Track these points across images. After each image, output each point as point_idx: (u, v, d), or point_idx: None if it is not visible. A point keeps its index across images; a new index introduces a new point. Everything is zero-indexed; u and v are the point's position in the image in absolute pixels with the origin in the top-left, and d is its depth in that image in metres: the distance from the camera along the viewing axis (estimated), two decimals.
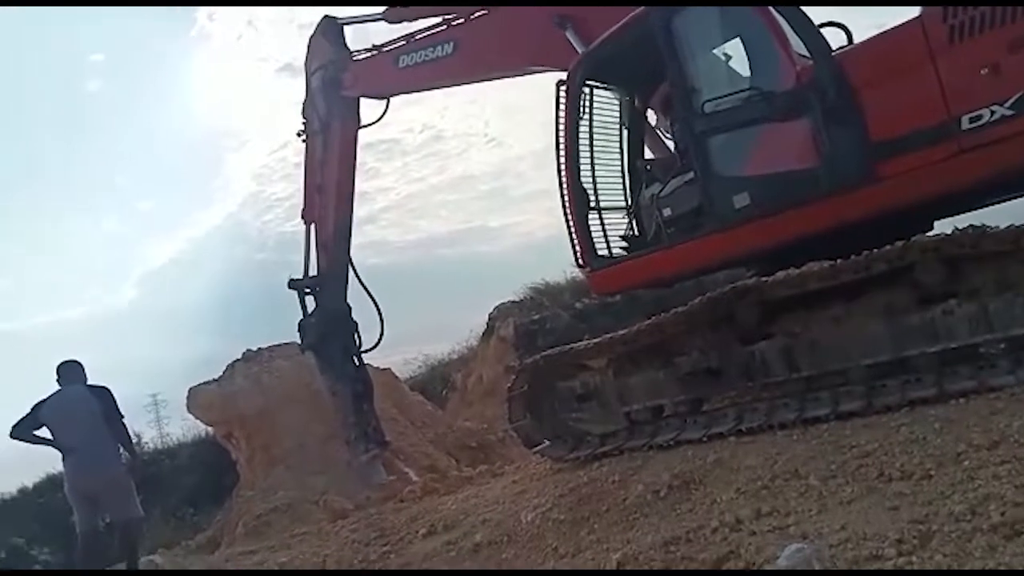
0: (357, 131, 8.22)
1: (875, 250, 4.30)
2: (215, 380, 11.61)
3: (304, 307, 8.19)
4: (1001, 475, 2.94)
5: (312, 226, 8.33)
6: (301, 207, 8.51)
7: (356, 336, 8.26)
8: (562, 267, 15.57)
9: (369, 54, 7.89)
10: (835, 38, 5.18)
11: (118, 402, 5.73)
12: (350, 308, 8.30)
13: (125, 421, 5.78)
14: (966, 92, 4.23)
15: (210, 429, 13.23)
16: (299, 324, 8.24)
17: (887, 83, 4.56)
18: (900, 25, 4.57)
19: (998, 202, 5.06)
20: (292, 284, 8.16)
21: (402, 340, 8.78)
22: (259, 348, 11.94)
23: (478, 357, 15.35)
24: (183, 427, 17.96)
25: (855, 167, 4.56)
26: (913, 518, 2.87)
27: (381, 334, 8.34)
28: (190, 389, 11.59)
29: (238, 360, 11.74)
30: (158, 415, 29.12)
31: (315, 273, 8.26)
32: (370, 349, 8.38)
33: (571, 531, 4.15)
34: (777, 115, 4.86)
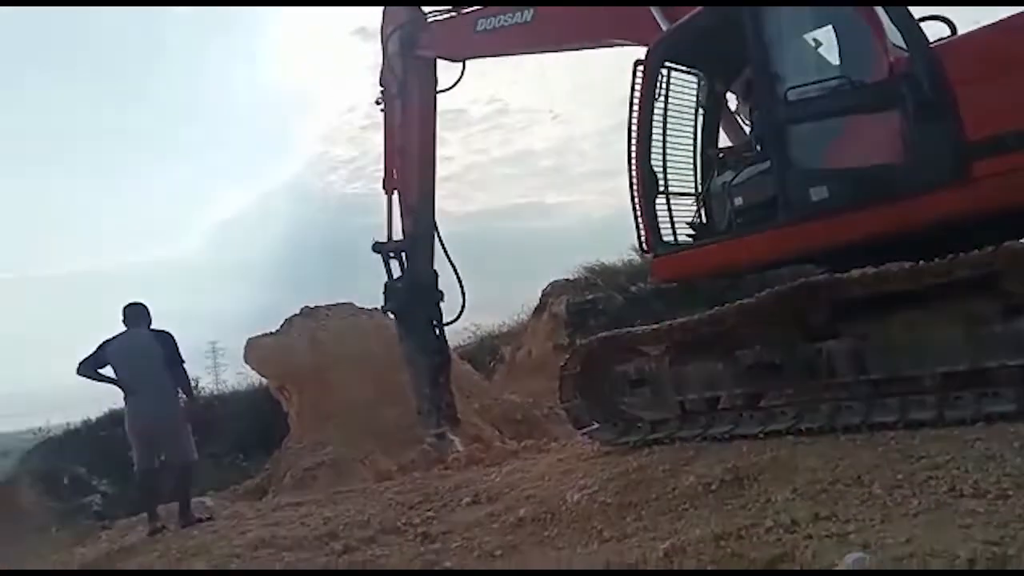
0: (435, 93, 8.14)
1: (960, 254, 4.10)
2: (272, 333, 11.87)
3: (389, 270, 8.04)
4: None
5: (394, 194, 8.22)
6: (381, 177, 8.29)
7: (440, 307, 8.06)
8: (618, 249, 15.41)
9: (446, 16, 7.83)
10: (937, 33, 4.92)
11: (179, 348, 5.87)
12: (437, 276, 8.10)
13: (185, 366, 5.92)
14: None
15: (264, 380, 13.56)
16: (385, 286, 8.10)
17: (988, 79, 4.32)
18: (1006, 19, 4.31)
19: None
20: (377, 247, 8.02)
21: (454, 309, 8.52)
22: (316, 305, 12.15)
23: (528, 332, 15.34)
24: (238, 376, 18.45)
25: (946, 165, 4.33)
26: (987, 539, 2.72)
27: (463, 306, 8.16)
28: (248, 340, 11.86)
29: (296, 315, 11.96)
30: (215, 362, 30.02)
31: (399, 238, 8.10)
32: (452, 321, 8.24)
33: (617, 516, 4.09)
34: (865, 107, 4.66)
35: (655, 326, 5.03)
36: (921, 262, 4.18)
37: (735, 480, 4.04)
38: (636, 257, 15.66)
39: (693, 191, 5.83)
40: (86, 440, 16.82)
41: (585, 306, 14.38)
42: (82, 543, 7.18)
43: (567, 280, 15.77)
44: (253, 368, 12.44)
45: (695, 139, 5.96)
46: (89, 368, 5.71)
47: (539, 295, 15.54)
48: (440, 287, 8.18)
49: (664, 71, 5.65)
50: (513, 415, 11.62)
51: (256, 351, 11.63)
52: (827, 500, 3.57)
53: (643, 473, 4.40)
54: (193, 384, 19.11)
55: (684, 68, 5.82)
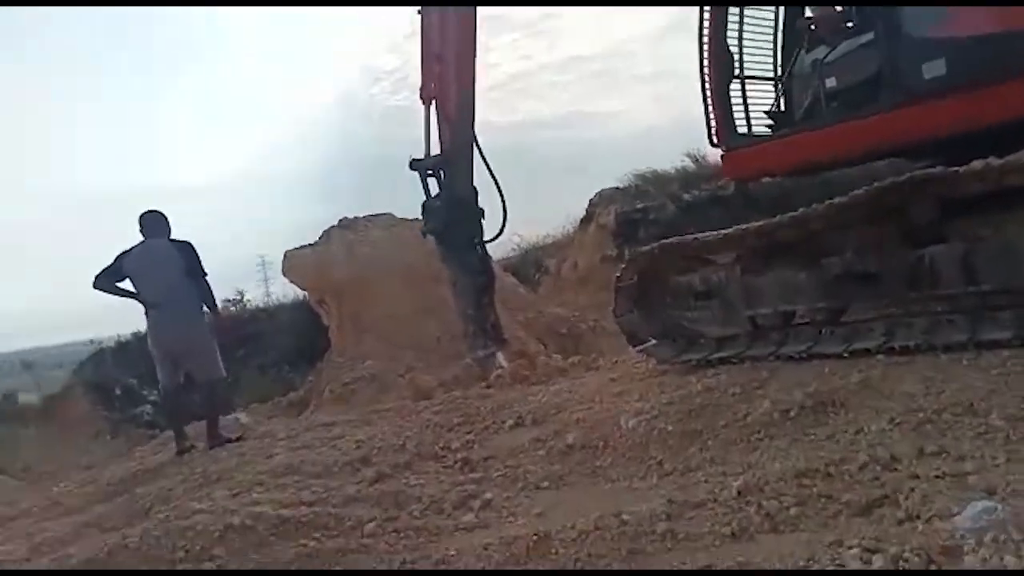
0: None
1: None
2: (310, 245, 11.54)
3: (427, 189, 7.46)
4: None
5: (432, 104, 7.51)
6: (419, 86, 7.66)
7: (481, 224, 7.48)
8: (670, 156, 14.59)
9: None
10: None
11: (200, 258, 5.43)
12: (477, 192, 7.51)
13: (208, 278, 5.48)
14: None
15: (305, 293, 13.36)
16: (423, 206, 7.56)
17: None
18: None
19: None
20: (414, 165, 7.39)
21: (496, 221, 7.87)
22: (355, 216, 11.73)
23: (574, 244, 14.76)
24: (286, 289, 18.39)
25: None
26: None
27: (504, 222, 7.55)
28: (285, 252, 11.57)
29: (334, 227, 11.58)
30: (265, 276, 30.23)
31: (437, 152, 7.46)
32: (494, 238, 7.68)
33: (679, 445, 3.60)
34: None
35: (726, 231, 4.40)
36: None
37: (818, 406, 3.50)
38: (690, 163, 14.78)
39: (772, 75, 5.05)
40: (136, 352, 17.05)
41: (635, 215, 13.64)
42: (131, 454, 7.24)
43: (616, 188, 14.99)
44: (292, 281, 12.22)
45: (776, 14, 5.13)
46: (106, 282, 5.32)
47: (586, 205, 14.88)
48: (481, 203, 7.60)
49: None
50: (558, 328, 11.22)
51: (294, 264, 11.34)
52: (933, 432, 3.02)
53: (709, 397, 3.88)
54: (239, 297, 18.96)
55: None
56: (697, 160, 14.75)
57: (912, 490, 2.63)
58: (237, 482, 4.06)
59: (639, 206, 13.82)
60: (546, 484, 3.66)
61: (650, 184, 14.71)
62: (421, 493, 3.69)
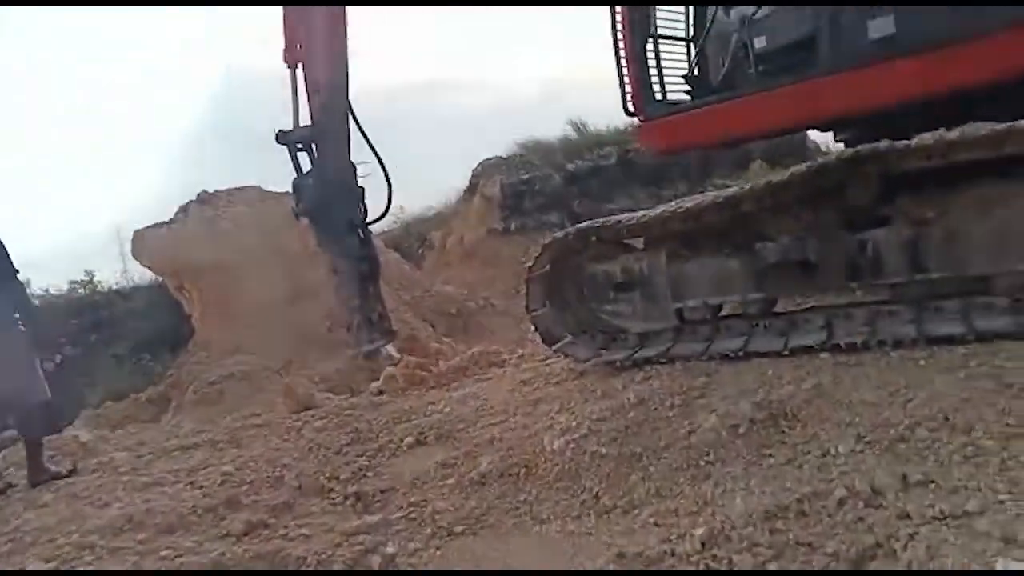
0: None
1: None
2: (165, 223, 10.19)
3: (297, 165, 6.52)
4: None
5: (298, 68, 6.52)
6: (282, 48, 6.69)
7: (362, 204, 6.65)
8: (551, 126, 14.31)
9: None
10: None
11: (9, 254, 4.26)
12: (355, 168, 6.64)
13: (19, 277, 4.33)
14: None
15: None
16: (293, 184, 6.62)
17: None
18: None
19: None
20: (281, 138, 6.43)
21: (375, 193, 7.02)
22: (216, 190, 10.47)
23: (459, 216, 14.16)
24: (145, 268, 16.54)
25: None
26: None
27: (389, 200, 6.77)
28: (135, 232, 10.19)
29: (192, 202, 10.29)
30: (122, 251, 27.41)
31: (307, 124, 6.52)
32: (377, 219, 6.87)
33: (616, 472, 3.07)
34: None
35: (648, 213, 3.88)
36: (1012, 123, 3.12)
37: (769, 420, 3.06)
38: (573, 133, 14.48)
39: (686, 35, 4.54)
40: None
41: (521, 187, 13.28)
42: None
43: (500, 158, 14.51)
44: (144, 265, 10.83)
45: None
46: None
47: (469, 175, 14.29)
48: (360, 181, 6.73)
49: None
50: (446, 308, 10.62)
51: (146, 245, 10.00)
52: (911, 454, 2.62)
53: (644, 410, 3.36)
54: (88, 279, 16.90)
55: None
56: (579, 128, 14.49)
57: (911, 536, 2.20)
58: (58, 547, 3.13)
59: (524, 177, 13.42)
60: (461, 529, 3.03)
61: (533, 154, 14.32)
62: (305, 550, 2.97)
